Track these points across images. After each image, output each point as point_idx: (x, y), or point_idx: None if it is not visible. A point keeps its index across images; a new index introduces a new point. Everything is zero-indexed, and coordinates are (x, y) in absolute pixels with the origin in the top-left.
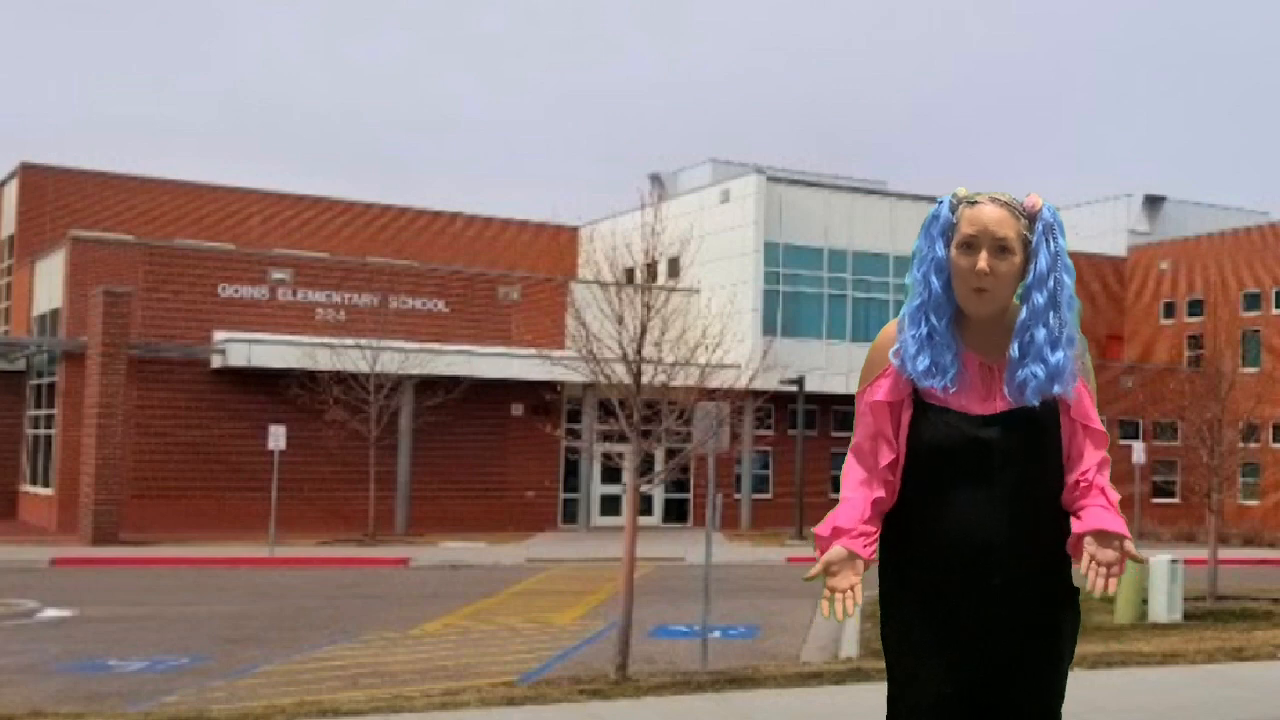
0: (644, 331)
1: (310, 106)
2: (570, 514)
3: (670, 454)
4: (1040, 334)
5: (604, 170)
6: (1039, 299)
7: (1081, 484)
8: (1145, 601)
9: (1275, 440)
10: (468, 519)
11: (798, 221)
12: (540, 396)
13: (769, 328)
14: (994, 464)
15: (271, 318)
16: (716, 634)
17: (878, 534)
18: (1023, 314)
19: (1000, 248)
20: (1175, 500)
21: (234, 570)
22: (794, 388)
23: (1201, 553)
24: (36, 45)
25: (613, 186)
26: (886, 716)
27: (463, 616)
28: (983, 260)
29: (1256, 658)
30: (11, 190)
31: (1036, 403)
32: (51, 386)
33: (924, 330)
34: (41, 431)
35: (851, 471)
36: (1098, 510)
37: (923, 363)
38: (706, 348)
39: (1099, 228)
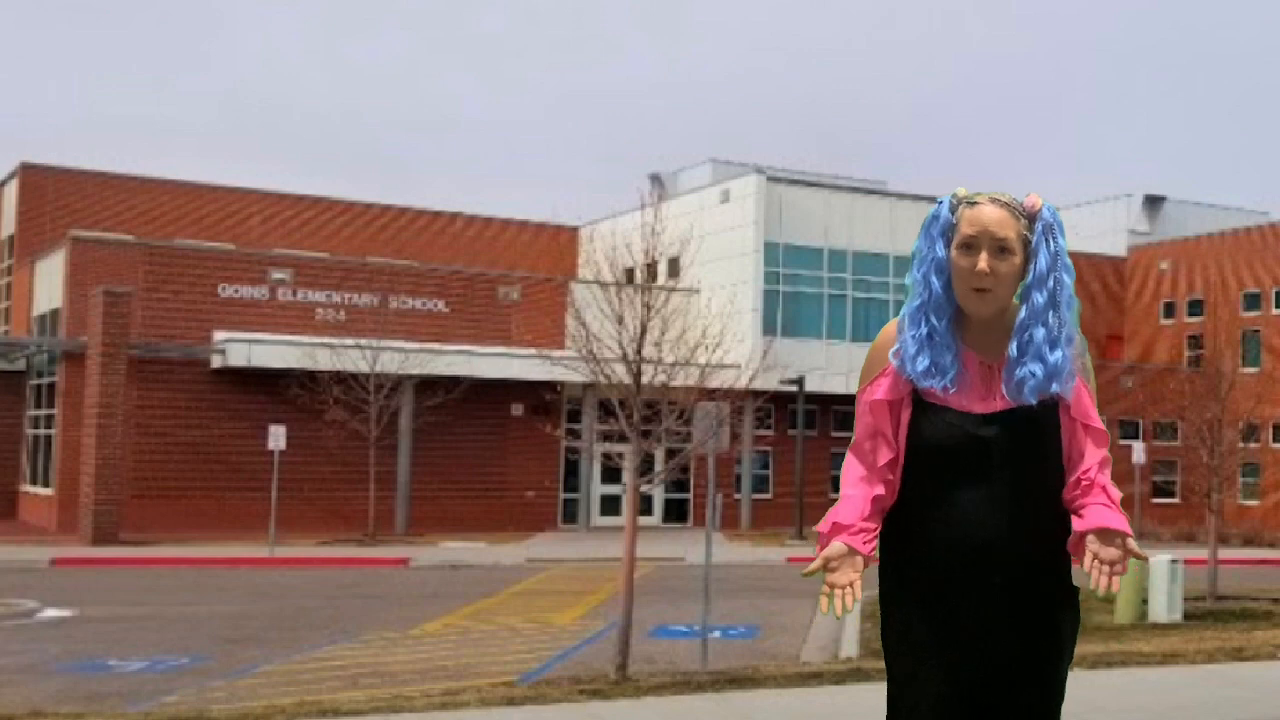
0: (644, 331)
1: (310, 106)
2: (570, 514)
3: (670, 454)
4: (1039, 333)
5: (604, 170)
6: (1038, 298)
7: (1083, 482)
8: (1145, 601)
9: (1275, 440)
10: (468, 519)
11: (798, 221)
12: (540, 396)
13: (769, 328)
14: (993, 463)
15: (271, 318)
16: (716, 634)
17: (877, 531)
18: (1022, 313)
19: (1000, 248)
20: (1175, 500)
21: (234, 570)
22: (794, 388)
23: (1201, 553)
24: (36, 45)
25: (613, 186)
26: (886, 716)
27: (463, 616)
28: (983, 261)
29: (1256, 658)
30: (11, 190)
31: (1035, 401)
32: (51, 386)
33: (924, 330)
34: (41, 431)
35: (852, 469)
36: (1099, 508)
37: (923, 363)
38: (706, 348)
39: (1099, 228)
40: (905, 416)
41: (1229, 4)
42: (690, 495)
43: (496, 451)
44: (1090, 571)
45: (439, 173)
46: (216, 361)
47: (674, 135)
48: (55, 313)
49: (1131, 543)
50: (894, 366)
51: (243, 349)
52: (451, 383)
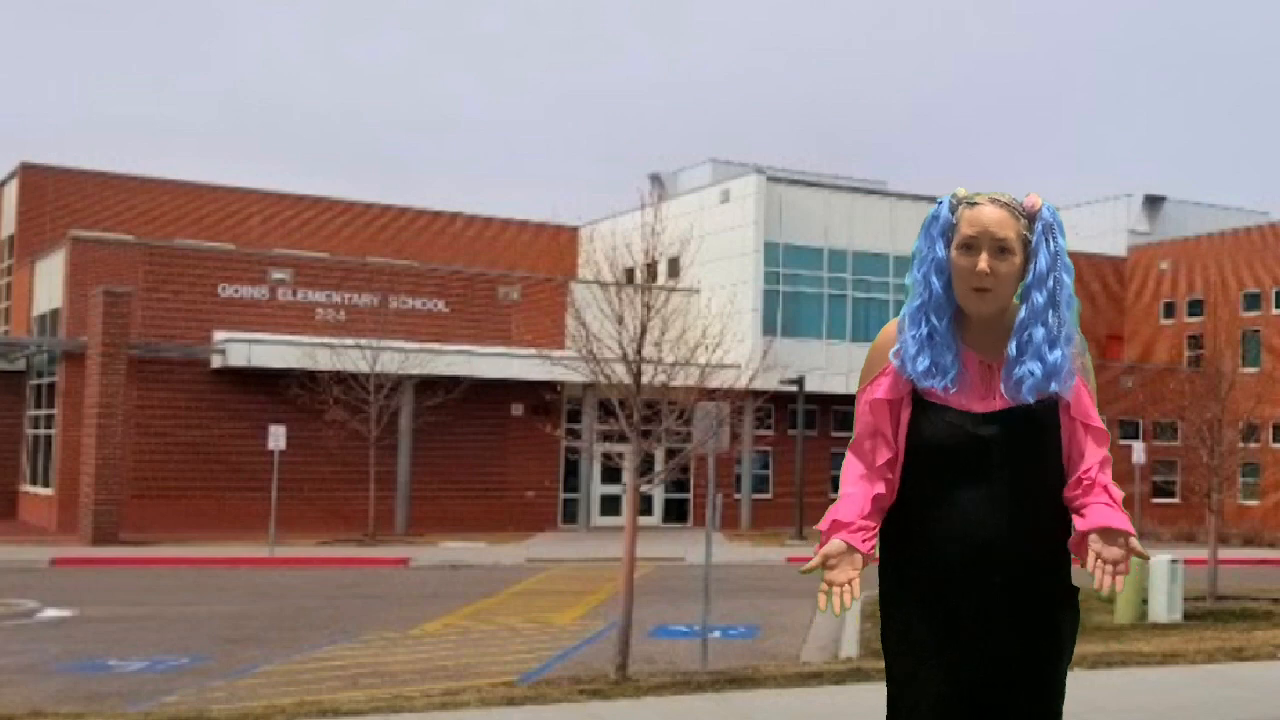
0: (644, 331)
1: (310, 106)
2: (570, 514)
3: (670, 454)
4: (1039, 332)
5: (604, 170)
6: (1038, 298)
7: (1084, 482)
8: (1145, 601)
9: (1275, 440)
10: (468, 519)
11: (798, 221)
12: (540, 396)
13: (769, 328)
14: (993, 462)
15: (271, 318)
16: (716, 634)
17: (877, 529)
18: (1022, 313)
19: (1000, 248)
20: (1175, 500)
21: (234, 570)
22: (794, 388)
23: (1201, 553)
24: (36, 45)
25: (613, 186)
26: (886, 716)
27: (463, 616)
28: (983, 261)
29: (1256, 658)
30: (11, 190)
31: (1033, 400)
32: (51, 386)
33: (924, 330)
34: (41, 431)
35: (851, 468)
36: (1101, 508)
37: (923, 363)
38: (706, 348)
39: (1099, 228)
40: (905, 416)
41: (1229, 4)
42: (690, 495)
43: (496, 451)
44: (1094, 571)
45: (439, 173)
46: (216, 361)
47: (674, 135)
48: (55, 313)
49: (1134, 542)
50: (894, 366)
51: (243, 349)
52: (451, 383)
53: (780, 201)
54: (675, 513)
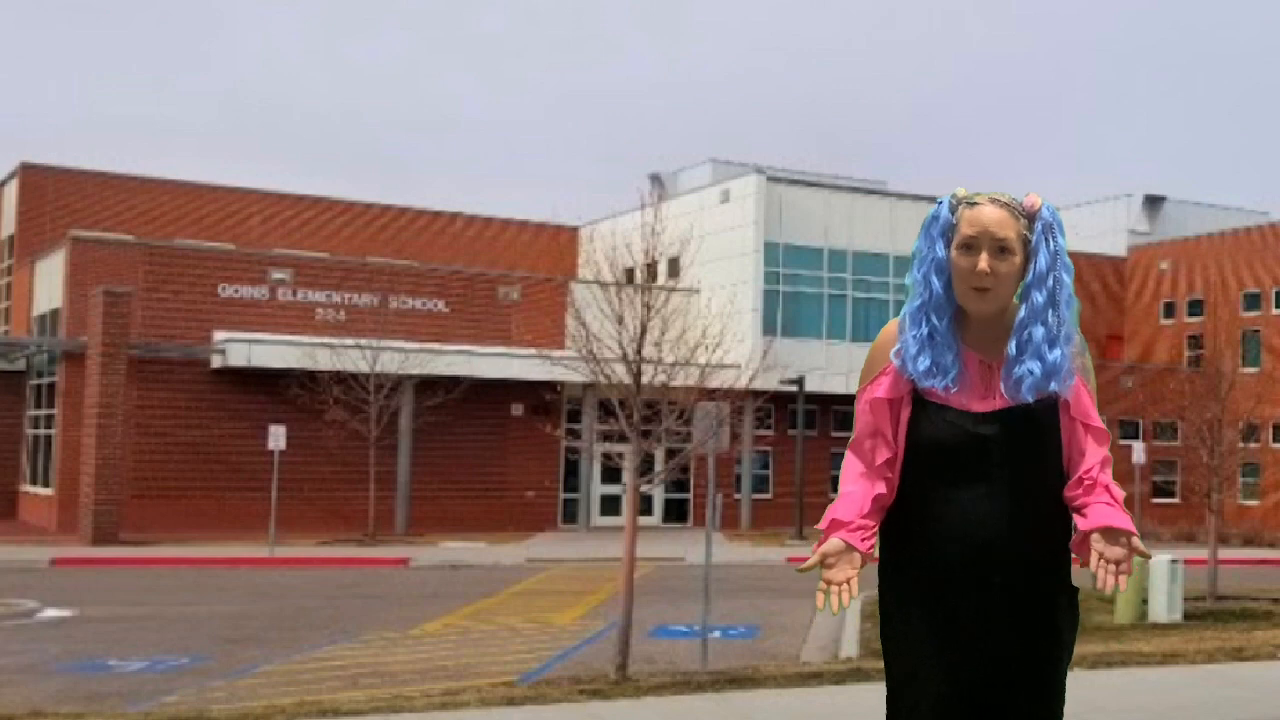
0: (644, 331)
1: (310, 106)
2: (570, 514)
3: (670, 454)
4: (1038, 332)
5: (604, 170)
6: (1038, 298)
7: (1085, 481)
8: (1145, 601)
9: (1275, 440)
10: (468, 519)
11: (798, 221)
12: (540, 396)
13: (769, 328)
14: (993, 461)
15: (271, 318)
16: (716, 634)
17: (876, 528)
18: (1021, 312)
19: (1000, 248)
20: (1175, 500)
21: (234, 570)
22: (794, 388)
23: (1201, 553)
24: (36, 45)
25: (613, 186)
26: (886, 717)
27: (463, 616)
28: (983, 261)
29: (1256, 658)
30: (11, 190)
31: (1033, 399)
32: (51, 386)
33: (925, 330)
34: (41, 431)
35: (851, 467)
36: (1103, 507)
37: (924, 363)
38: (706, 348)
39: (1099, 228)
40: (905, 415)
41: (1229, 4)
42: (690, 495)
43: (496, 451)
44: (1096, 571)
45: (439, 173)
46: (216, 361)
47: (674, 135)
48: (55, 313)
49: (1136, 541)
50: (895, 366)
51: (243, 349)
52: (451, 383)
53: (780, 201)
54: (675, 513)
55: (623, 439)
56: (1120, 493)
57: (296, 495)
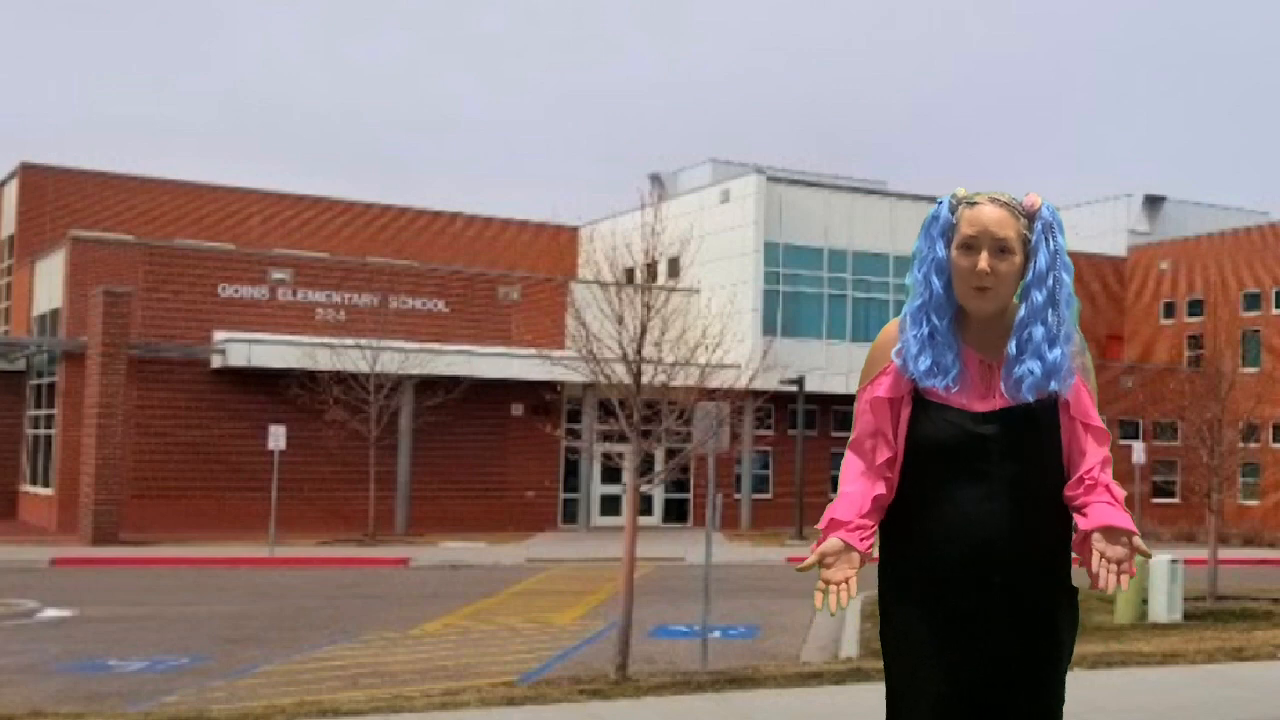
0: (644, 331)
1: (310, 106)
2: (570, 514)
3: (670, 454)
4: (1038, 331)
5: (604, 170)
6: (1038, 297)
7: (1086, 481)
8: (1145, 601)
9: (1275, 440)
10: (468, 519)
11: (798, 221)
12: (540, 396)
13: (769, 328)
14: (992, 461)
15: (271, 318)
16: (716, 634)
17: (875, 528)
18: (1021, 312)
19: (1000, 248)
20: (1175, 500)
21: (234, 570)
22: (794, 388)
23: (1201, 553)
24: (36, 45)
25: (613, 186)
26: (886, 717)
27: (463, 616)
28: (983, 260)
29: (1256, 658)
30: (11, 190)
31: (1033, 399)
32: (51, 386)
33: (925, 330)
34: (41, 431)
35: (851, 466)
36: (1104, 507)
37: (924, 362)
38: (706, 348)
39: (1099, 228)
40: (905, 414)
41: (1229, 4)
42: (690, 495)
43: (496, 451)
44: (1098, 570)
45: (439, 173)
46: (216, 361)
47: (674, 135)
48: (55, 313)
49: (1138, 540)
50: (896, 365)
51: (243, 349)
52: (451, 383)
53: (780, 201)
54: (675, 513)
55: (623, 439)
56: (1121, 492)
57: (296, 495)
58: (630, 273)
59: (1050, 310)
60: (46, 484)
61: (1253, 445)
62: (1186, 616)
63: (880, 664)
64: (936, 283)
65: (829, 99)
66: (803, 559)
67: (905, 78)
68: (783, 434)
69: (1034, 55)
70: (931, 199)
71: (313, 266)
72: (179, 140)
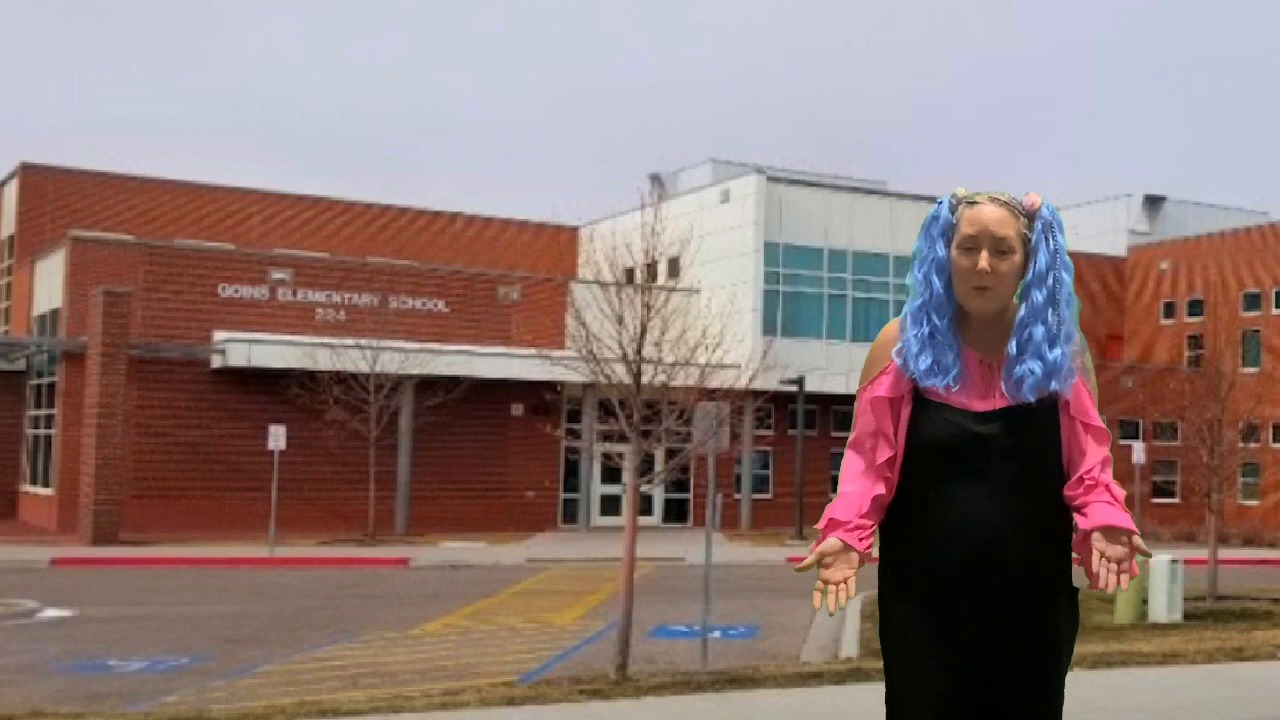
0: (644, 331)
1: (310, 106)
2: (570, 514)
3: (670, 454)
4: (1039, 331)
5: (604, 170)
6: (1038, 296)
7: (1086, 481)
8: (1145, 601)
9: (1275, 440)
10: (468, 519)
11: (798, 221)
12: (540, 396)
13: (769, 328)
14: (993, 460)
15: (271, 318)
16: (716, 634)
17: (874, 528)
18: (1022, 311)
19: (1000, 247)
20: (1175, 500)
21: (234, 570)
22: (794, 388)
23: (1201, 553)
24: (36, 45)
25: (613, 186)
26: (886, 717)
27: (463, 616)
28: (984, 260)
29: (1256, 658)
30: (11, 190)
31: (1034, 399)
32: (51, 386)
33: (926, 330)
34: (41, 431)
35: (851, 466)
36: (1104, 506)
37: (925, 362)
38: (706, 348)
39: (1099, 228)
40: (905, 414)
41: (1229, 4)
42: (690, 495)
43: (496, 451)
44: (1098, 570)
45: (439, 173)
46: (216, 361)
47: (674, 135)
48: (55, 313)
49: (1138, 540)
50: (896, 365)
51: (243, 349)
52: (451, 383)
53: (780, 201)
54: (675, 513)
55: (623, 439)
56: (1121, 492)
57: (296, 495)
58: (630, 273)
59: (1050, 310)
60: (46, 484)
61: (1253, 445)
62: (1186, 616)
63: (880, 664)
64: (937, 282)
65: (829, 99)
66: (802, 559)
67: (905, 78)
68: (783, 434)
69: (1034, 55)
70: (931, 199)
71: (313, 266)
72: (179, 140)
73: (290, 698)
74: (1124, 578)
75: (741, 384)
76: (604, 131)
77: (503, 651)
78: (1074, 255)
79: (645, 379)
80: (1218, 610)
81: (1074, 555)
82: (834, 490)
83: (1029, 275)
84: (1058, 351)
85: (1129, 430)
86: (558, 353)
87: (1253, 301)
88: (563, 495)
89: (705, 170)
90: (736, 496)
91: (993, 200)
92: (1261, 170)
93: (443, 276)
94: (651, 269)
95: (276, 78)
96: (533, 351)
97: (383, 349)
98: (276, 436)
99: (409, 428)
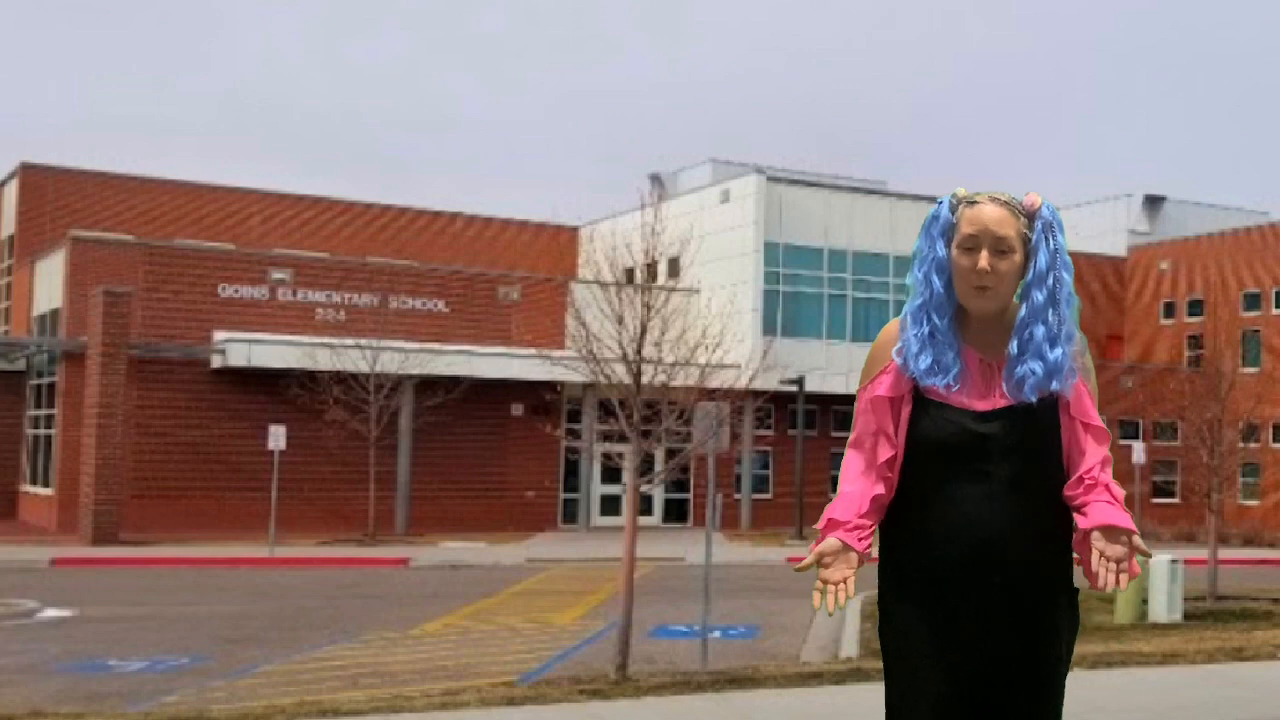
0: (644, 331)
1: (310, 106)
2: (570, 514)
3: (670, 454)
4: (1039, 331)
5: (604, 170)
6: (1038, 296)
7: (1086, 481)
8: (1145, 601)
9: (1275, 440)
10: (468, 519)
11: (798, 221)
12: (540, 396)
13: (769, 328)
14: (993, 460)
15: (271, 318)
16: (716, 634)
17: (874, 528)
18: (1022, 311)
19: (1001, 247)
20: (1175, 500)
21: (234, 570)
22: (794, 388)
23: (1201, 553)
24: (36, 45)
25: (613, 186)
26: (886, 717)
27: (463, 616)
28: (984, 259)
29: (1256, 658)
30: (11, 190)
31: (1034, 399)
32: (51, 386)
33: (926, 329)
34: (41, 431)
35: (851, 465)
36: (1104, 506)
37: (925, 361)
38: (706, 348)
39: (1099, 228)
40: (906, 413)
41: (1229, 4)
42: (690, 495)
43: (496, 451)
44: (1097, 570)
45: (439, 173)
46: (216, 361)
47: (674, 135)
48: (55, 313)
49: (1137, 540)
50: (896, 364)
51: (243, 349)
52: (451, 383)
53: (780, 201)
54: (675, 513)
55: (623, 439)
56: (1120, 492)
57: (296, 495)
58: (630, 273)
59: (1051, 309)
60: (46, 484)
61: (1253, 445)
62: (1186, 616)
63: (880, 664)
64: (937, 282)
65: (829, 99)
66: (802, 559)
67: (905, 78)
68: (783, 434)
69: (1034, 55)
70: (931, 199)
71: (313, 266)
72: (179, 140)
73: (290, 698)
74: (1124, 577)
75: (741, 384)
76: (604, 131)
77: (503, 651)
78: (1074, 255)
79: (645, 379)
80: (1218, 610)
81: (1074, 555)
82: (834, 490)
83: (1029, 275)
84: (1059, 351)
85: (1129, 430)
86: (558, 353)
87: (1253, 301)
88: (563, 495)
89: (705, 170)
90: (736, 496)
91: (993, 200)
92: (1261, 170)
93: (443, 276)
94: (651, 269)
95: (276, 78)
96: (533, 351)
97: (383, 349)
98: (276, 436)
99: (409, 428)
